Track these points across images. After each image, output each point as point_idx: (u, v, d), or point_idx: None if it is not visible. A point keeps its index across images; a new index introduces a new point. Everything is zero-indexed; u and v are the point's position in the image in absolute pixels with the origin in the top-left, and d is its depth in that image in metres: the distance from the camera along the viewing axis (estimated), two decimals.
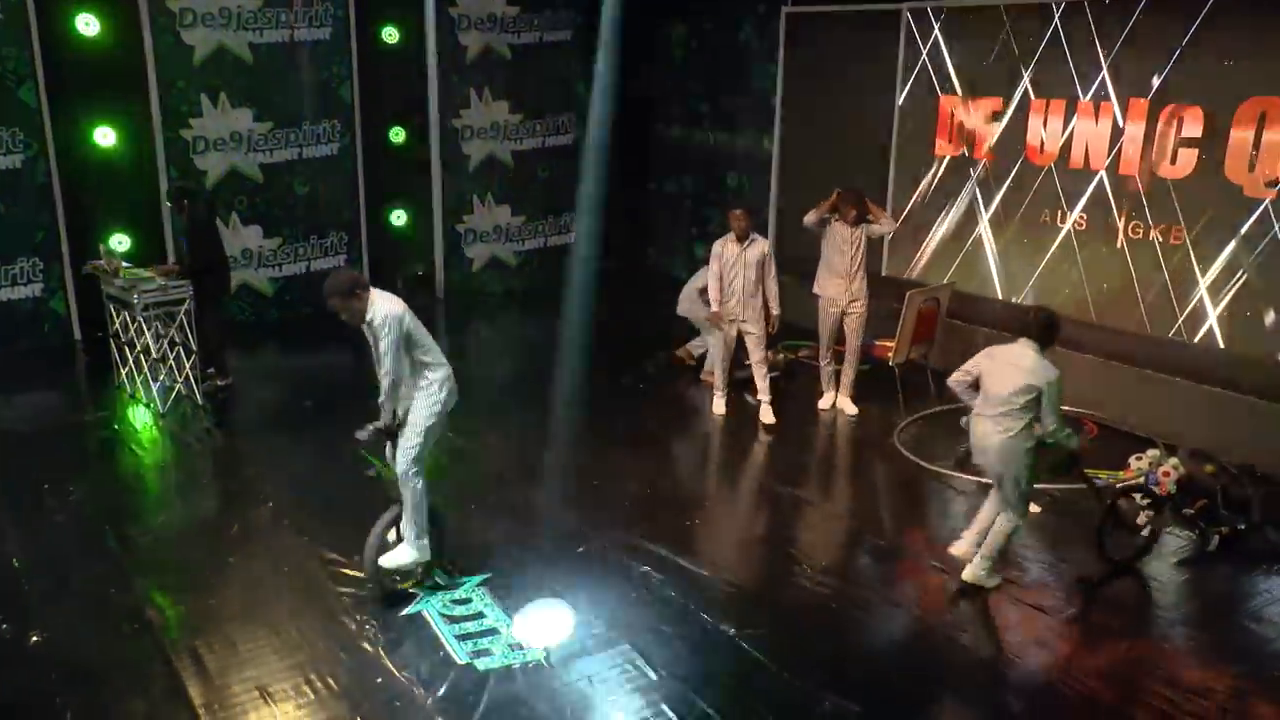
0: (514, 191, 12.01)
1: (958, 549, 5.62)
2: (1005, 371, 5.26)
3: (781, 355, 9.16)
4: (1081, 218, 8.22)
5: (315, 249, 10.83)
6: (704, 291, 8.18)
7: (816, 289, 8.06)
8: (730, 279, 7.79)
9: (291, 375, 9.37)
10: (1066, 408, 7.90)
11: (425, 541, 5.25)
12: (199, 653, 4.77)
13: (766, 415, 7.95)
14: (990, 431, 5.29)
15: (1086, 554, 5.78)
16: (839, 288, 7.88)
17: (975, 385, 5.47)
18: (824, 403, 8.27)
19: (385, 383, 4.95)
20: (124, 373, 8.32)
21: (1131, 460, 6.77)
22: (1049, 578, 5.72)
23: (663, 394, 8.74)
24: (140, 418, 7.85)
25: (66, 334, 9.69)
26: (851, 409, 8.10)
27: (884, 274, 10.12)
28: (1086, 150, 8.07)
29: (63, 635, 4.89)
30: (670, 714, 4.40)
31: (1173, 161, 7.54)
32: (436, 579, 5.38)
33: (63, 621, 5.01)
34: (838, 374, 8.21)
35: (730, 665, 4.79)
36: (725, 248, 7.81)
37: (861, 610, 5.37)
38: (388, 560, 5.16)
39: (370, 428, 5.08)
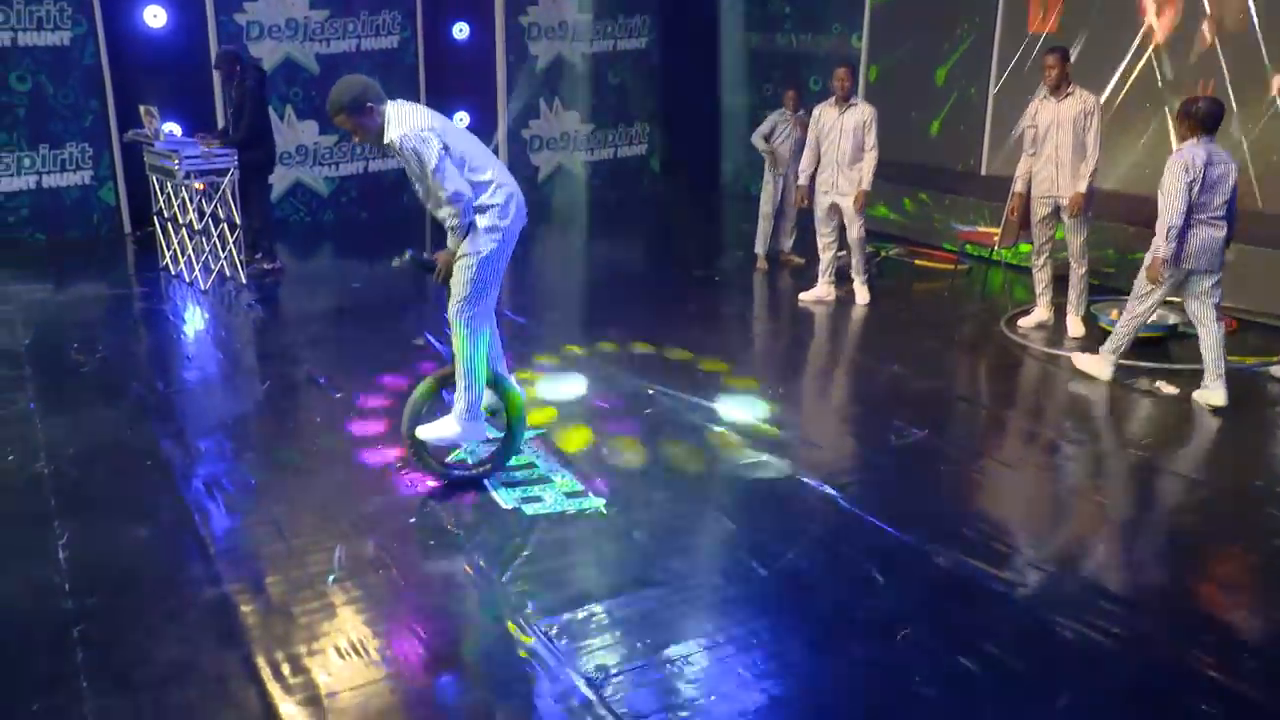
0: (584, 97, 11.32)
1: (1212, 398, 5.31)
2: (1228, 172, 5.21)
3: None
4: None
5: (372, 148, 10.24)
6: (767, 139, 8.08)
7: None
8: (826, 146, 7.04)
9: (346, 275, 8.82)
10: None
11: (479, 419, 4.19)
12: (213, 488, 4.21)
13: (861, 294, 7.21)
14: (1217, 235, 5.23)
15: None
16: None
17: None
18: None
19: (451, 213, 3.87)
20: (169, 254, 7.88)
21: None
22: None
23: (741, 284, 8.01)
24: (181, 294, 7.37)
25: (116, 226, 9.30)
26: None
27: (984, 173, 9.27)
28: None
29: (69, 467, 4.38)
30: (754, 565, 3.68)
31: None
32: (489, 433, 4.67)
33: (72, 456, 4.49)
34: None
35: (824, 520, 4.06)
36: (823, 112, 7.11)
37: (969, 470, 4.60)
38: (426, 431, 4.13)
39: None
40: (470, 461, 4.41)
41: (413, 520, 4.00)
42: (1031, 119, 6.44)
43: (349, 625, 3.27)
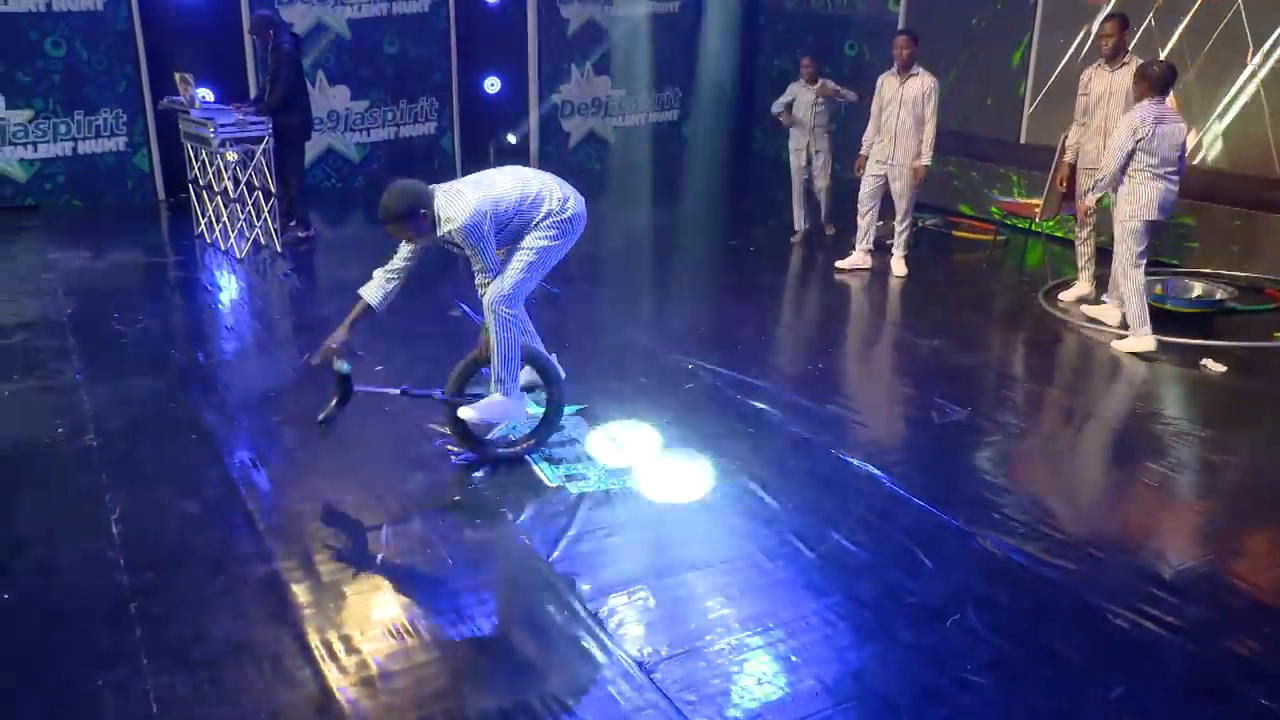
0: (614, 62, 11.20)
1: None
2: (1178, 129, 5.55)
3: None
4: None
5: (405, 114, 10.23)
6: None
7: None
8: (885, 117, 6.98)
9: (378, 241, 8.81)
10: (1248, 274, 7.05)
11: (521, 401, 4.20)
12: (257, 462, 4.24)
13: (898, 267, 7.19)
14: (1174, 190, 5.60)
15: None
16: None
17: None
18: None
19: (484, 280, 4.00)
20: (204, 221, 7.90)
21: None
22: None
23: (774, 254, 7.94)
24: (217, 262, 7.40)
25: (150, 193, 9.32)
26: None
27: (1023, 141, 9.11)
28: None
29: (118, 440, 4.42)
30: (799, 544, 3.68)
31: None
32: (530, 406, 4.69)
33: (119, 428, 4.54)
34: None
35: (869, 500, 4.04)
36: (885, 82, 7.04)
37: (1011, 450, 4.56)
38: (468, 412, 4.12)
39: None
40: (512, 438, 4.41)
41: (458, 498, 4.02)
42: (1084, 87, 6.33)
43: (399, 605, 3.30)
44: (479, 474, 4.20)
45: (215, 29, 9.16)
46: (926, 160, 6.93)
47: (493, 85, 10.70)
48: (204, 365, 5.43)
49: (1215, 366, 5.54)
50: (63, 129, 8.78)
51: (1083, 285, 6.74)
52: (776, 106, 7.96)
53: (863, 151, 7.22)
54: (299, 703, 2.84)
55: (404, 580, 3.46)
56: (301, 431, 4.62)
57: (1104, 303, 6.08)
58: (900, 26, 10.08)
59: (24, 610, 3.24)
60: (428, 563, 3.57)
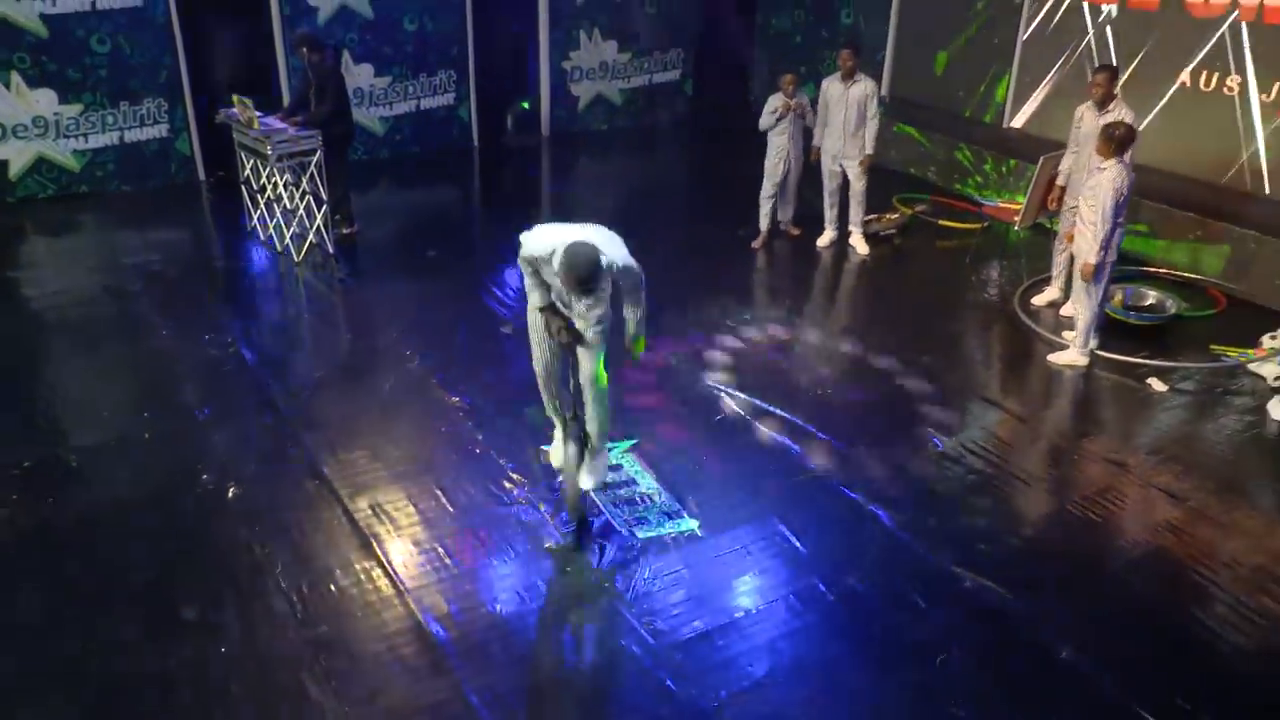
0: (621, 25, 11.65)
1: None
2: (1133, 181, 6.41)
3: (897, 215, 9.10)
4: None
5: (424, 87, 10.75)
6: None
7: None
8: (831, 116, 8.19)
9: (407, 215, 9.59)
10: (1192, 275, 7.99)
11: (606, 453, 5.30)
12: (379, 512, 5.17)
13: (860, 246, 8.59)
14: (1123, 230, 6.70)
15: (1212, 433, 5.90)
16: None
17: None
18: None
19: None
20: (255, 218, 8.57)
21: (1265, 339, 6.76)
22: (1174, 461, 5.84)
23: (782, 246, 8.78)
24: (276, 266, 8.14)
25: (192, 175, 9.92)
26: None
27: (1005, 125, 9.85)
28: None
29: (257, 490, 5.32)
30: (823, 588, 4.72)
31: None
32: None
33: (252, 475, 5.44)
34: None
35: (875, 541, 5.06)
36: (830, 86, 8.20)
37: (989, 484, 5.57)
38: (589, 482, 5.11)
39: None
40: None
41: (550, 545, 5.00)
42: (1077, 122, 7.16)
43: (531, 658, 4.30)
44: (561, 519, 5.16)
45: (245, 19, 9.59)
46: (870, 151, 8.22)
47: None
48: (302, 399, 6.26)
49: (1159, 385, 6.54)
50: (110, 120, 9.31)
51: (1054, 291, 7.67)
52: (765, 121, 8.27)
53: (815, 142, 8.44)
54: None
55: (526, 630, 4.45)
56: (406, 470, 5.52)
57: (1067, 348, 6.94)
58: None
59: (241, 659, 4.23)
60: (540, 613, 4.56)
